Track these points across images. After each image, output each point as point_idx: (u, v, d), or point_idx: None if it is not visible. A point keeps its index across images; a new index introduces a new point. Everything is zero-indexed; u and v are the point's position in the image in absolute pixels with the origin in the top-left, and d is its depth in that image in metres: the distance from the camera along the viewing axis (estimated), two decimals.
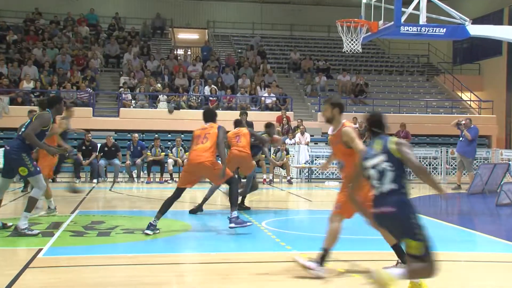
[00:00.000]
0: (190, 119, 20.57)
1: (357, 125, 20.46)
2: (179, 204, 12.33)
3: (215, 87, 22.09)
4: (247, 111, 16.78)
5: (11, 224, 7.89)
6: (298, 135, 18.90)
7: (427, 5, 11.95)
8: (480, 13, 24.47)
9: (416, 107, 24.15)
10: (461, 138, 15.23)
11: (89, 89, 20.94)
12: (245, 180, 10.78)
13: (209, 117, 8.52)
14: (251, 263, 6.31)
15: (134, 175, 16.80)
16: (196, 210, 10.06)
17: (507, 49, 24.78)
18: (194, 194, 13.47)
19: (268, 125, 10.85)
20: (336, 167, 18.56)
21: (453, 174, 17.71)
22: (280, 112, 20.83)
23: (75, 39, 24.81)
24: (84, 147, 16.63)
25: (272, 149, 18.32)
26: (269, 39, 28.90)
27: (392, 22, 11.87)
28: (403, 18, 11.73)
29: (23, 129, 7.69)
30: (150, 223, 7.79)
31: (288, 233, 8.40)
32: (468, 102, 25.59)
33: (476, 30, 12.16)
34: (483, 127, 20.24)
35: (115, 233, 7.88)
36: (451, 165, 18.37)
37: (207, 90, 22.02)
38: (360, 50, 12.71)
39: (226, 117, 19.74)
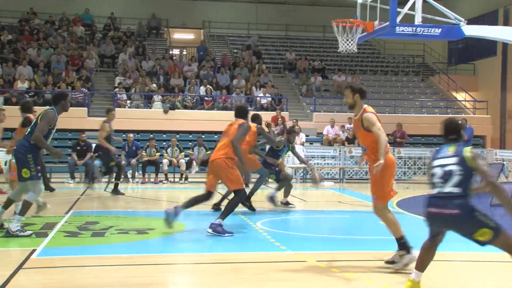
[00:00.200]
0: (185, 119, 20.58)
1: (352, 125, 20.50)
2: (173, 204, 12.32)
3: (211, 87, 22.08)
4: None
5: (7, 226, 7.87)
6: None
7: (422, 6, 11.98)
8: (475, 13, 24.52)
9: (411, 107, 24.19)
10: None
11: (84, 89, 20.89)
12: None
13: (239, 113, 8.48)
14: (246, 263, 6.30)
15: (129, 175, 16.76)
16: (251, 207, 10.09)
17: (501, 50, 24.86)
18: (189, 194, 13.45)
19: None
20: (331, 167, 18.59)
21: None
22: (275, 112, 20.82)
23: (70, 39, 24.74)
24: (78, 147, 16.59)
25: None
26: (264, 39, 28.90)
27: (388, 22, 11.90)
28: (398, 18, 11.75)
29: (29, 129, 7.63)
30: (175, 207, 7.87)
31: (283, 233, 8.40)
32: (463, 102, 25.66)
33: (471, 31, 12.20)
34: (477, 127, 20.30)
35: (109, 233, 7.86)
36: None
37: (202, 90, 22.00)
38: (356, 50, 12.73)
39: (221, 117, 19.88)
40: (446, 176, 4.67)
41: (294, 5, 30.05)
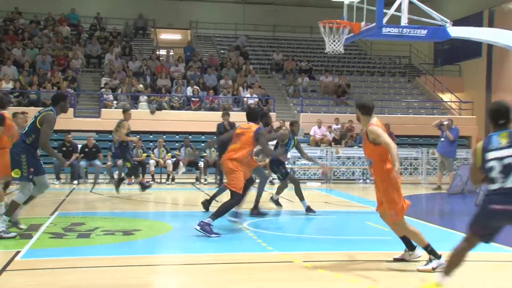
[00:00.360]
0: (172, 119, 20.51)
1: (339, 126, 20.56)
2: (160, 205, 12.31)
3: (198, 87, 22.03)
4: (229, 112, 16.75)
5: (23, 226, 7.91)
6: None
7: (408, 7, 12.02)
8: (461, 15, 24.70)
9: (397, 108, 24.31)
10: (442, 139, 15.37)
11: (70, 90, 20.74)
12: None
13: (251, 116, 8.55)
14: (232, 264, 6.29)
15: (115, 176, 16.66)
16: (259, 214, 9.98)
17: (486, 51, 25.07)
18: (175, 195, 13.42)
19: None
20: (318, 167, 18.61)
21: (434, 174, 17.86)
22: None
23: (55, 39, 24.55)
24: (64, 148, 16.46)
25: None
26: (251, 40, 28.89)
27: (374, 23, 11.92)
28: (385, 19, 11.78)
29: (26, 129, 7.62)
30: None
31: (270, 234, 8.39)
32: (449, 103, 25.84)
33: (457, 32, 12.26)
34: (463, 128, 20.44)
35: (95, 234, 7.81)
36: (432, 166, 18.51)
37: (189, 90, 21.95)
38: (342, 51, 12.74)
39: (208, 118, 19.84)
40: (507, 170, 4.38)
41: (281, 6, 30.07)
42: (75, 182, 16.11)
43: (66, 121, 18.85)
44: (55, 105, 7.73)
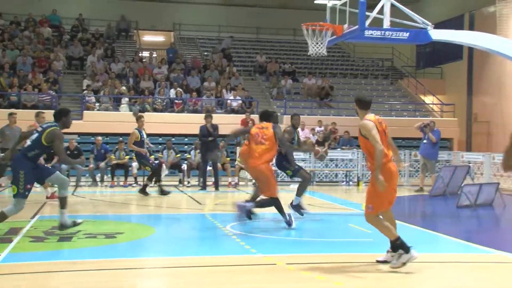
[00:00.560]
0: (155, 122, 20.36)
1: (322, 128, 20.61)
2: (143, 208, 12.22)
3: (181, 89, 21.95)
4: (212, 114, 16.72)
5: (80, 220, 8.14)
6: None
7: (391, 10, 12.10)
8: (442, 18, 24.89)
9: (380, 110, 24.40)
10: (424, 141, 15.48)
11: (52, 92, 20.55)
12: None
13: (265, 117, 8.84)
14: (215, 266, 6.27)
15: (98, 179, 16.53)
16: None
17: (467, 54, 25.32)
18: (158, 197, 13.34)
19: (292, 116, 10.27)
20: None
21: (416, 176, 17.98)
22: (244, 115, 20.78)
23: (36, 40, 24.32)
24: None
25: (238, 152, 18.26)
26: (235, 42, 28.87)
27: (357, 26, 11.98)
28: (367, 22, 11.85)
29: (29, 143, 7.72)
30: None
31: (253, 236, 8.37)
32: (431, 106, 26.05)
33: (438, 35, 12.38)
34: (445, 130, 20.60)
35: (77, 238, 7.73)
36: (414, 168, 18.65)
37: (172, 92, 21.86)
38: (325, 54, 12.79)
39: (191, 120, 19.77)
40: None
41: (264, 8, 30.09)
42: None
43: None
44: (58, 120, 7.90)
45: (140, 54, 25.85)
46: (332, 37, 12.53)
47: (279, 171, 11.52)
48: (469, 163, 17.75)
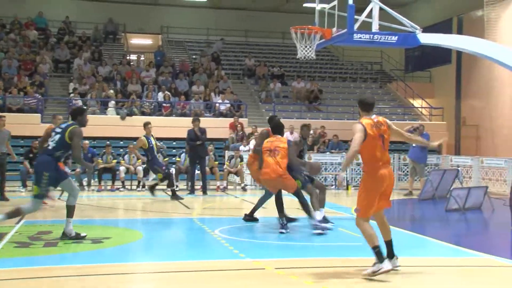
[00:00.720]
0: (142, 125, 20.22)
1: (311, 132, 20.58)
2: (130, 212, 12.10)
3: (169, 93, 21.83)
4: (201, 118, 16.63)
5: (84, 234, 7.92)
6: (252, 141, 18.82)
7: (379, 13, 12.08)
8: (430, 22, 25.01)
9: None
10: (413, 144, 15.49)
11: (38, 95, 20.35)
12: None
13: (277, 130, 9.13)
14: (204, 271, 6.20)
15: (85, 183, 16.36)
16: (253, 219, 9.83)
17: (456, 58, 25.43)
18: (146, 202, 13.22)
19: (302, 127, 10.37)
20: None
21: (405, 180, 17.99)
22: (233, 118, 20.72)
23: (22, 43, 24.08)
24: (31, 155, 16.06)
25: (226, 155, 18.20)
26: (223, 45, 28.81)
27: (346, 30, 11.95)
28: (356, 26, 11.81)
29: (53, 144, 7.72)
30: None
31: (242, 240, 8.30)
32: (420, 109, 26.13)
33: (427, 39, 12.36)
34: (433, 134, 20.61)
35: (63, 243, 7.64)
36: (403, 171, 18.66)
37: (160, 96, 21.74)
38: (314, 57, 12.73)
39: (179, 124, 19.65)
40: None
41: (254, 11, 30.05)
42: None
43: (33, 127, 18.50)
44: (74, 119, 7.93)
45: (127, 57, 25.69)
46: (321, 40, 12.47)
47: None
48: (458, 166, 17.79)
